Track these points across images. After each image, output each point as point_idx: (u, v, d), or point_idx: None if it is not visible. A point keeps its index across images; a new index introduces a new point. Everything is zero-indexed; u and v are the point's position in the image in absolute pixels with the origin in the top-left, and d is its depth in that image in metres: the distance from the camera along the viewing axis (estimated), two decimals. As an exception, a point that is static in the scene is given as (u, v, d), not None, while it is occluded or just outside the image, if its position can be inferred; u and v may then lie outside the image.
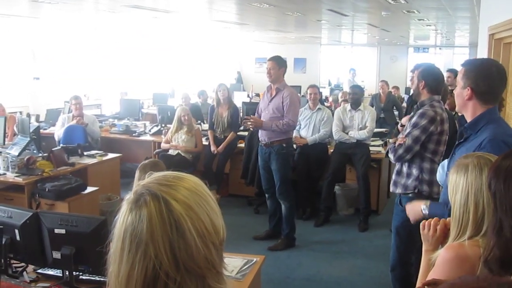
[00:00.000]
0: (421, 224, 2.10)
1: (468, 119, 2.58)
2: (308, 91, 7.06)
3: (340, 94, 11.10)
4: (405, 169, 3.92)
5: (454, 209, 1.88)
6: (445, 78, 5.37)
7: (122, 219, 1.07)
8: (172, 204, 1.05)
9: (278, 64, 5.52)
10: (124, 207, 1.09)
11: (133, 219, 1.05)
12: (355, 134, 6.62)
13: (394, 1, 7.24)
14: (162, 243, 1.03)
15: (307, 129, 6.94)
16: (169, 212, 1.04)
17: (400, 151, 3.81)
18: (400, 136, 3.90)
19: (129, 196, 1.10)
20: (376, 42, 17.59)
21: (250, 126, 5.65)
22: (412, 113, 3.89)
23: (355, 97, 6.79)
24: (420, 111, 3.75)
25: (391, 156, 3.93)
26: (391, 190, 4.07)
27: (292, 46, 17.89)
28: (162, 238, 1.03)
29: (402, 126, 4.12)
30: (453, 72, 6.02)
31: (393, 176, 4.04)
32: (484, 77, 2.49)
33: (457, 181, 1.88)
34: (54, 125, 8.32)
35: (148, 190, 1.08)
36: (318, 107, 6.99)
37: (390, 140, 3.87)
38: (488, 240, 1.60)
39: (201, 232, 1.06)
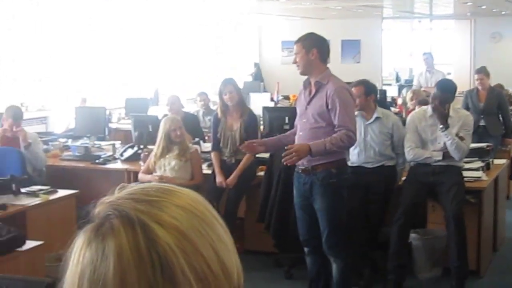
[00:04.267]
0: None
1: None
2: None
3: (409, 94, 10.95)
4: None
5: None
6: None
7: (77, 257, 1.05)
8: (155, 231, 1.03)
9: (306, 45, 5.57)
10: (81, 239, 1.07)
11: (93, 255, 1.03)
12: (449, 142, 6.47)
13: None
14: None
15: (361, 152, 6.88)
16: (150, 244, 1.02)
17: None
18: None
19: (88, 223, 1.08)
20: (469, 11, 17.57)
21: (290, 162, 5.56)
22: None
23: (443, 98, 6.67)
24: None
25: None
26: None
27: (337, 22, 17.95)
28: (139, 284, 1.00)
29: None
30: None
31: None
32: None
33: None
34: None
35: (116, 210, 1.05)
36: (376, 115, 6.95)
37: None
38: None
39: (201, 274, 1.03)
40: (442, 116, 6.48)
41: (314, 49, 5.56)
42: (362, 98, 6.86)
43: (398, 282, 6.71)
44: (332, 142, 5.40)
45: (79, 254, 1.05)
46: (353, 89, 6.85)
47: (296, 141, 5.68)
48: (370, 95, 6.98)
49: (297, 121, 5.82)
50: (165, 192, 1.10)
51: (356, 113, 6.79)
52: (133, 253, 1.01)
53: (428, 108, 6.84)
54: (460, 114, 6.84)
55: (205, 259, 1.04)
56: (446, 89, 6.87)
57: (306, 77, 5.72)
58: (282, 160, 5.56)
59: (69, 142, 9.45)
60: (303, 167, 5.64)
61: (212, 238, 1.07)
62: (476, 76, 10.61)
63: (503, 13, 17.79)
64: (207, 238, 1.06)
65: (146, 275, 1.01)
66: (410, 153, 6.71)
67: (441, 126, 6.49)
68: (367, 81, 7.18)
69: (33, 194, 6.58)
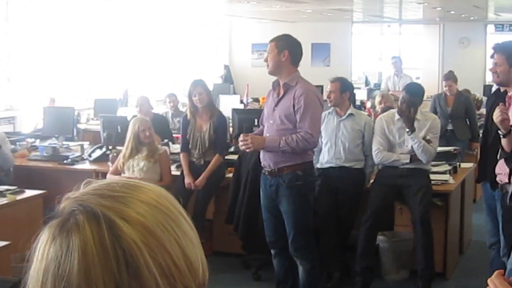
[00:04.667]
0: None
1: None
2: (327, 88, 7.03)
3: (377, 98, 10.98)
4: None
5: None
6: None
7: (42, 253, 1.05)
8: (120, 227, 1.03)
9: (279, 46, 5.58)
10: (45, 235, 1.07)
11: (58, 251, 1.03)
12: (415, 146, 6.50)
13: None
14: None
15: (331, 147, 6.91)
16: (115, 239, 1.02)
17: None
18: None
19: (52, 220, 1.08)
20: (438, 17, 17.67)
21: (246, 149, 5.67)
22: None
23: (411, 101, 6.71)
24: None
25: None
26: None
27: (308, 25, 17.96)
28: (103, 280, 1.00)
29: None
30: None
31: None
32: None
33: None
34: None
35: (81, 206, 1.05)
36: (349, 111, 6.97)
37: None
38: None
39: (167, 270, 1.04)
40: (409, 119, 6.52)
41: (286, 51, 5.56)
42: (337, 94, 6.86)
43: (365, 284, 6.73)
44: (287, 141, 5.43)
45: (43, 250, 1.05)
46: (329, 84, 6.90)
47: None
48: (345, 92, 6.94)
49: (264, 122, 5.82)
50: (131, 187, 1.10)
51: (330, 109, 6.85)
52: (98, 249, 1.01)
53: (396, 112, 6.89)
54: (428, 117, 6.88)
55: (170, 255, 1.04)
56: (414, 92, 6.91)
57: (275, 78, 5.74)
58: (238, 145, 5.63)
59: (37, 142, 9.37)
60: (270, 169, 5.65)
61: (177, 234, 1.07)
62: (444, 83, 10.68)
63: (471, 18, 17.95)
64: (173, 234, 1.06)
65: (111, 270, 1.00)
66: (378, 155, 6.74)
67: (407, 129, 6.53)
68: (344, 78, 7.23)
69: (0, 194, 6.52)
